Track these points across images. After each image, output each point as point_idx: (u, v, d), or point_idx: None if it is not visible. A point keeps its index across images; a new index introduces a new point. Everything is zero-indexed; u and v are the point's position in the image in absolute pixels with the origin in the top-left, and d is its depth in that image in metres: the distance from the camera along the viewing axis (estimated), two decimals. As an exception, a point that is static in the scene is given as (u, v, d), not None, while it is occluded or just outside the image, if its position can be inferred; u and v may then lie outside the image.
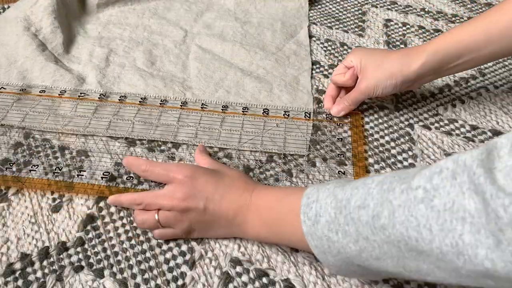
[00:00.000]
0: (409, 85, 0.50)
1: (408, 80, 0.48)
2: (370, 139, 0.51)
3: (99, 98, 0.54)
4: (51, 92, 0.54)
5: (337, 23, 0.70)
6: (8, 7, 0.70)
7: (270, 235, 0.38)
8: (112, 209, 0.43)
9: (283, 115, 0.53)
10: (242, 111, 0.54)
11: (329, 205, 0.32)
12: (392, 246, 0.28)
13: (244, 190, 0.40)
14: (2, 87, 0.55)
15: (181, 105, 0.54)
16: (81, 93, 0.54)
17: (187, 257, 0.40)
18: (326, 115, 0.54)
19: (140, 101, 0.54)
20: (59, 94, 0.54)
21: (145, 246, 0.40)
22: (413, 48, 0.49)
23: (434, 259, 0.27)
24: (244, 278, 0.39)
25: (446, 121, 0.54)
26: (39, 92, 0.54)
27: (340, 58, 0.64)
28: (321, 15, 0.72)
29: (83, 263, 0.39)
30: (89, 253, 0.40)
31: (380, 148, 0.50)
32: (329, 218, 0.32)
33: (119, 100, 0.54)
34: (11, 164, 0.46)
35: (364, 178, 0.32)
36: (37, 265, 0.39)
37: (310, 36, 0.67)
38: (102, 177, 0.45)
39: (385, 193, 0.29)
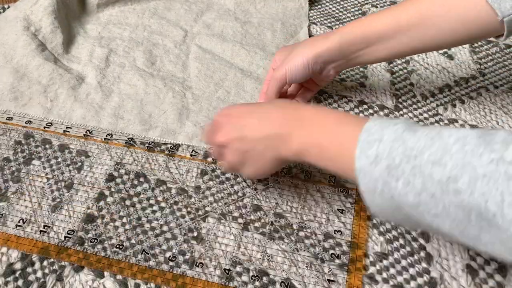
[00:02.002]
0: (323, 69, 0.50)
1: (319, 60, 0.48)
2: (370, 139, 0.51)
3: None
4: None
5: (337, 23, 0.70)
6: (8, 7, 0.70)
7: (317, 157, 0.36)
8: (112, 209, 0.43)
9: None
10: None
11: (396, 150, 0.30)
12: (461, 211, 0.27)
13: (284, 107, 0.39)
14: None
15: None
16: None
17: (187, 256, 0.40)
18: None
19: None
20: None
21: (145, 245, 0.40)
22: (325, 33, 0.49)
23: (505, 235, 0.26)
24: (244, 277, 0.39)
25: (446, 121, 0.54)
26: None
27: (340, 58, 0.64)
28: (321, 15, 0.72)
29: (83, 263, 0.39)
30: (89, 252, 0.40)
31: (380, 148, 0.50)
32: (393, 163, 0.30)
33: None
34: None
35: (437, 128, 0.30)
36: (37, 265, 0.39)
37: (310, 36, 0.67)
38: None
39: (467, 155, 0.27)
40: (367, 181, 0.31)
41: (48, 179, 0.46)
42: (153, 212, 0.43)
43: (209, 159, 0.48)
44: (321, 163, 0.36)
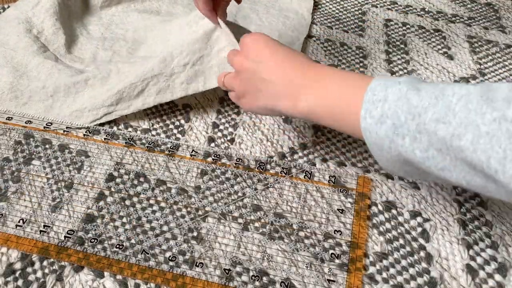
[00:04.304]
0: None
1: None
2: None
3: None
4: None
5: (337, 23, 0.70)
6: (8, 7, 0.70)
7: (324, 117, 0.37)
8: (112, 209, 0.43)
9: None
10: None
11: (400, 108, 0.31)
12: (466, 165, 0.28)
13: (304, 62, 0.39)
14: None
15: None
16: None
17: (187, 256, 0.40)
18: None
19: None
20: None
21: (145, 245, 0.40)
22: None
23: (508, 189, 0.27)
24: (244, 277, 0.39)
25: (446, 121, 0.54)
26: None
27: (340, 58, 0.64)
28: (321, 15, 0.72)
29: (83, 263, 0.39)
30: (89, 252, 0.40)
31: (380, 148, 0.50)
32: (398, 122, 0.31)
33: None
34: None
35: (440, 85, 0.31)
36: (37, 265, 0.39)
37: (310, 36, 0.67)
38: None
39: (471, 114, 0.28)
40: (374, 140, 0.33)
41: (48, 179, 0.46)
42: (153, 212, 0.43)
43: (209, 159, 0.48)
44: (328, 122, 0.37)
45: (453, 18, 0.72)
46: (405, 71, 0.61)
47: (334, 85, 0.36)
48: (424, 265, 0.40)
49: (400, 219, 0.43)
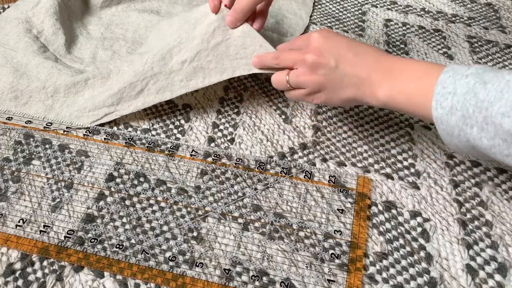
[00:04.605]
0: None
1: None
2: (370, 139, 0.51)
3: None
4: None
5: (337, 23, 0.70)
6: (8, 6, 0.70)
7: (399, 107, 0.40)
8: (112, 209, 0.43)
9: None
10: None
11: (468, 101, 0.34)
12: None
13: (379, 53, 0.41)
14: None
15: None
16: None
17: (187, 256, 0.40)
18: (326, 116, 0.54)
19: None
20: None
21: (145, 245, 0.40)
22: None
23: None
24: (244, 277, 0.39)
25: (446, 121, 0.54)
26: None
27: (340, 58, 0.63)
28: (321, 15, 0.72)
29: (83, 263, 0.39)
30: (89, 252, 0.40)
31: (380, 148, 0.50)
32: (466, 113, 0.34)
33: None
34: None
35: (506, 77, 0.33)
36: (37, 265, 0.39)
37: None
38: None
39: None
40: (444, 127, 0.36)
41: (48, 179, 0.46)
42: (153, 212, 0.43)
43: (209, 159, 0.48)
44: (403, 111, 0.40)
45: (453, 18, 0.72)
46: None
47: (407, 78, 0.39)
48: (424, 265, 0.40)
49: (400, 219, 0.43)
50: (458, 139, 0.36)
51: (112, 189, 0.45)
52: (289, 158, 0.49)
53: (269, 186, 0.46)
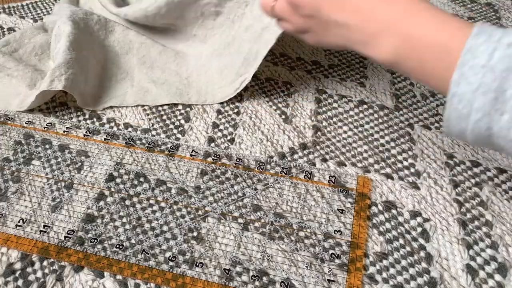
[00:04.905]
0: None
1: None
2: (370, 139, 0.51)
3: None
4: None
5: (337, 23, 0.70)
6: (8, 6, 0.70)
7: (409, 71, 0.31)
8: (112, 209, 0.43)
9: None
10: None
11: (509, 82, 0.26)
12: None
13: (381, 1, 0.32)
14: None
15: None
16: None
17: (187, 256, 0.40)
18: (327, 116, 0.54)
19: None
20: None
21: (145, 245, 0.40)
22: None
23: None
24: (244, 277, 0.39)
25: (446, 121, 0.54)
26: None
27: (340, 58, 0.64)
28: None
29: (83, 263, 0.39)
30: (89, 252, 0.40)
31: (380, 148, 0.50)
32: (502, 97, 0.26)
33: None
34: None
35: None
36: (37, 265, 0.39)
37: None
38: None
39: None
40: (461, 107, 0.28)
41: (48, 179, 0.46)
42: (153, 212, 0.43)
43: (209, 159, 0.48)
44: (413, 76, 0.32)
45: (453, 18, 0.72)
46: (405, 71, 0.61)
47: (420, 33, 0.30)
48: (424, 265, 0.40)
49: (400, 219, 0.43)
50: (474, 125, 0.28)
51: (112, 189, 0.45)
52: (289, 158, 0.49)
53: (269, 186, 0.46)
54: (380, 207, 0.44)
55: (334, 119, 0.54)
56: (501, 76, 0.26)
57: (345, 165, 0.48)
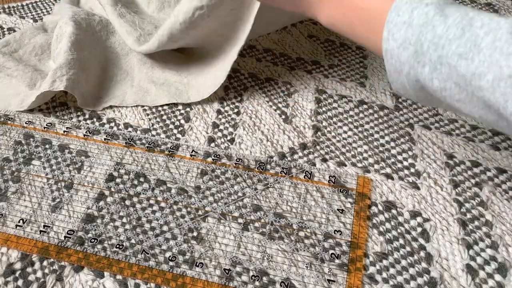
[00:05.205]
0: None
1: None
2: (370, 139, 0.52)
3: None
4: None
5: (337, 23, 0.70)
6: (8, 6, 0.70)
7: (344, 28, 0.35)
8: (112, 209, 0.43)
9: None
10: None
11: (424, 35, 0.29)
12: (482, 102, 0.28)
13: None
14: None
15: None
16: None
17: (187, 256, 0.40)
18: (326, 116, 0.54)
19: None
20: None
21: (145, 245, 0.40)
22: None
23: None
24: (244, 277, 0.39)
25: (446, 121, 0.54)
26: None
27: (340, 58, 0.64)
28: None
29: (83, 263, 0.39)
30: (89, 252, 0.40)
31: (380, 148, 0.50)
32: (420, 49, 0.30)
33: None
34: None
35: (470, 14, 0.29)
36: (37, 265, 0.39)
37: (310, 36, 0.67)
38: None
39: (496, 52, 0.26)
40: (393, 62, 0.32)
41: (48, 179, 0.46)
42: (153, 212, 0.43)
43: (209, 159, 0.48)
44: (350, 38, 0.36)
45: (453, 18, 0.72)
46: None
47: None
48: (424, 265, 0.40)
49: (400, 219, 0.43)
50: (407, 78, 0.32)
51: (112, 189, 0.45)
52: (289, 158, 0.49)
53: (269, 186, 0.46)
54: (380, 207, 0.44)
55: (334, 119, 0.54)
56: (419, 30, 0.29)
57: (345, 165, 0.48)
